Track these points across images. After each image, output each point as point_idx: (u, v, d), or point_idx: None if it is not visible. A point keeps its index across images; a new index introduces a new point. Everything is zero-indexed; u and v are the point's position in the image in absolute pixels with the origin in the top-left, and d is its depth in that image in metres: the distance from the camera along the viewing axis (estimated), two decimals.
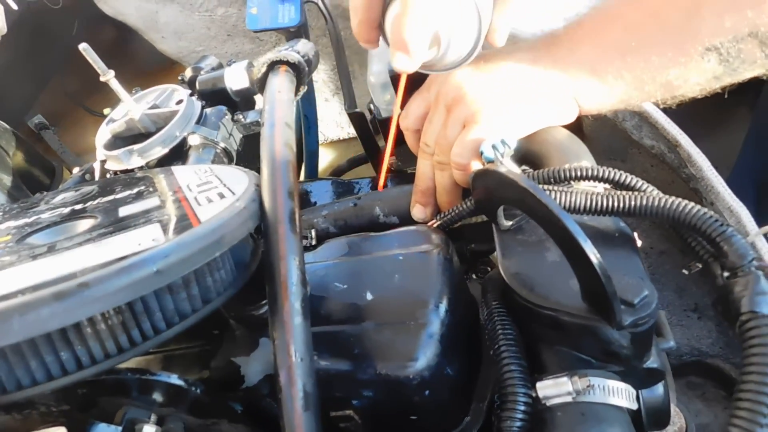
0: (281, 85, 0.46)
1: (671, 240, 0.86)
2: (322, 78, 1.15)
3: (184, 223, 0.32)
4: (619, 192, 0.40)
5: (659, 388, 0.44)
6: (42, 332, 0.25)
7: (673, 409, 0.62)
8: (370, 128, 0.71)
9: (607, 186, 0.44)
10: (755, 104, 1.24)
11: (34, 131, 1.34)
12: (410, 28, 0.41)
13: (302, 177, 0.92)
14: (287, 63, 0.50)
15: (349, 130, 1.20)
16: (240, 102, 0.68)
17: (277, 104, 0.42)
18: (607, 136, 0.93)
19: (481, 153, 0.46)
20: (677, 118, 0.78)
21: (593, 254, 0.31)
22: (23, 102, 1.51)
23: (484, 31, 0.44)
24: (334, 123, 1.21)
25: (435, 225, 0.49)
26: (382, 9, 0.44)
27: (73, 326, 0.27)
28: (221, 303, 0.34)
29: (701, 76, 0.45)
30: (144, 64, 1.51)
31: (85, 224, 0.38)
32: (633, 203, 0.39)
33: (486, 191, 0.42)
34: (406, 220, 0.55)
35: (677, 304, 0.81)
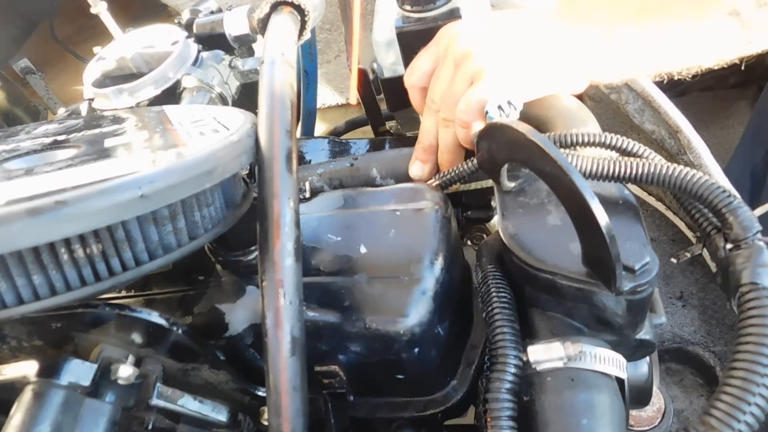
0: (284, 24, 0.43)
1: (661, 228, 0.86)
2: (325, 38, 1.11)
3: (174, 152, 0.30)
4: (625, 158, 0.39)
5: (644, 367, 0.44)
6: (13, 249, 0.23)
7: (655, 390, 0.62)
8: (371, 88, 0.68)
9: (613, 153, 0.43)
10: (757, 99, 1.23)
11: (19, 75, 1.29)
12: None
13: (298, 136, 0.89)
14: (291, 4, 0.47)
15: (348, 95, 1.16)
16: (238, 50, 0.65)
17: (279, 42, 0.40)
18: (607, 119, 0.92)
19: (486, 113, 0.44)
20: (680, 108, 0.77)
21: (600, 213, 0.30)
22: (9, 45, 1.44)
23: None
24: (333, 87, 1.18)
25: (435, 184, 0.47)
26: None
27: (47, 247, 0.25)
28: (208, 241, 0.32)
29: (719, 44, 0.44)
30: (136, 14, 1.45)
31: (66, 153, 0.36)
32: (639, 170, 0.38)
33: (491, 149, 0.40)
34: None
35: (663, 291, 0.82)
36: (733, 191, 0.63)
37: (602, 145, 0.42)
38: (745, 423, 0.30)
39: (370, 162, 0.55)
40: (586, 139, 0.43)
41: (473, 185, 0.54)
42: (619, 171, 0.39)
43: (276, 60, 0.38)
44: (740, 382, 0.30)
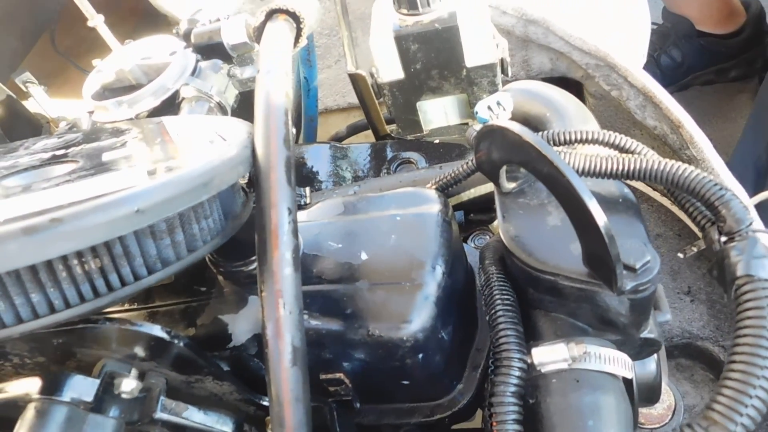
0: (279, 32, 0.43)
1: (667, 224, 0.86)
2: (325, 44, 1.11)
3: (171, 165, 0.30)
4: (619, 155, 0.39)
5: (652, 365, 0.44)
6: (9, 269, 0.23)
7: (664, 387, 0.61)
8: (371, 92, 0.68)
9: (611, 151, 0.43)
10: (757, 92, 1.22)
11: (21, 89, 1.30)
12: None
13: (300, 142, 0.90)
14: (287, 12, 0.47)
15: (349, 99, 1.16)
16: (236, 58, 0.65)
17: (275, 51, 0.40)
18: (609, 116, 0.91)
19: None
20: (681, 103, 0.77)
21: (598, 213, 0.30)
22: (10, 58, 1.45)
23: None
24: (334, 92, 1.18)
25: (434, 187, 0.47)
26: None
27: (45, 265, 0.25)
28: (207, 252, 0.32)
29: None
30: (136, 24, 1.45)
31: (64, 168, 0.36)
32: (632, 166, 0.38)
33: (489, 150, 0.40)
34: None
35: (671, 287, 0.81)
36: (729, 184, 0.63)
37: (596, 141, 0.42)
38: (747, 416, 0.30)
39: (373, 189, 0.56)
40: (581, 137, 0.42)
41: (474, 192, 0.53)
42: (612, 168, 0.39)
43: (271, 69, 0.38)
44: (740, 375, 0.30)
